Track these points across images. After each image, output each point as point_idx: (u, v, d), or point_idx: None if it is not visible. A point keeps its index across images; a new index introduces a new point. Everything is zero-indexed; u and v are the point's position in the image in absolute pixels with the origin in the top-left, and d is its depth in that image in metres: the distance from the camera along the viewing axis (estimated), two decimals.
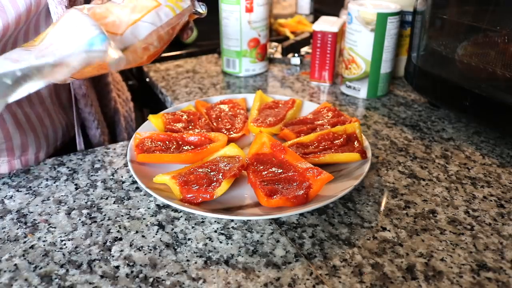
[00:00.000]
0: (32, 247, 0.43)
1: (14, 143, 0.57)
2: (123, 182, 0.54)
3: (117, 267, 0.41)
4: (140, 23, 0.50)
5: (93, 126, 0.66)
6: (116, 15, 0.49)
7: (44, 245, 0.44)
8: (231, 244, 0.44)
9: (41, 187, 0.53)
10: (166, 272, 0.41)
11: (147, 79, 0.92)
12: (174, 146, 0.56)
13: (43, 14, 0.55)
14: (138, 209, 0.49)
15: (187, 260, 0.42)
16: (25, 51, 0.45)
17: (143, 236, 0.45)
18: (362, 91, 0.78)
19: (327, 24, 0.81)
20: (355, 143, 0.55)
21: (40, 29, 0.58)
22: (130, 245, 0.44)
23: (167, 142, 0.56)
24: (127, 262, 0.42)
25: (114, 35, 0.48)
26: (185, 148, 0.56)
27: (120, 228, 0.46)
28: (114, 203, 0.50)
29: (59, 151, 0.66)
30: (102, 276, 0.40)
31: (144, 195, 0.51)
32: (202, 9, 0.56)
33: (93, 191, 0.52)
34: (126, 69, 0.85)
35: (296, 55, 0.96)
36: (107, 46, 0.42)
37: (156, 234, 0.45)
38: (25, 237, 0.45)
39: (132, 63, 0.49)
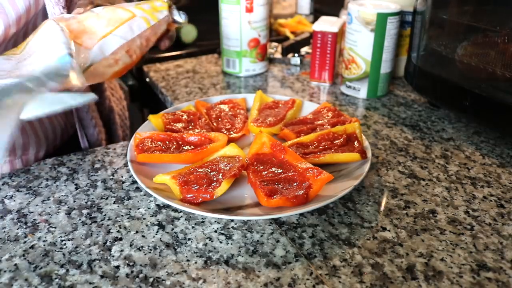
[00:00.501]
0: (32, 247, 0.43)
1: (16, 143, 0.57)
2: (123, 182, 0.54)
3: (117, 267, 0.41)
4: (110, 36, 0.48)
5: (91, 125, 0.66)
6: (91, 27, 0.48)
7: (44, 245, 0.44)
8: (231, 244, 0.44)
9: (41, 187, 0.53)
10: (166, 272, 0.41)
11: (147, 79, 0.92)
12: (174, 146, 0.56)
13: (40, 16, 0.55)
14: (138, 209, 0.49)
15: (187, 260, 0.42)
16: (5, 60, 0.44)
17: (143, 236, 0.45)
18: (362, 91, 0.78)
19: (327, 24, 0.81)
20: (355, 143, 0.55)
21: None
22: (130, 245, 0.44)
23: (167, 142, 0.56)
24: (127, 262, 0.42)
25: (85, 49, 0.47)
26: (185, 148, 0.56)
27: (120, 228, 0.46)
28: (114, 203, 0.50)
29: (58, 150, 0.66)
30: (102, 276, 0.40)
31: (144, 195, 0.51)
32: (182, 18, 0.55)
33: (93, 191, 0.52)
34: None
35: (296, 55, 0.96)
36: (68, 71, 0.40)
37: (156, 234, 0.45)
38: (25, 237, 0.45)
39: (96, 79, 0.48)
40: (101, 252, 0.43)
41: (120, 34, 0.49)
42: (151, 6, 0.53)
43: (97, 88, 0.73)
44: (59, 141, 0.66)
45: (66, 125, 0.67)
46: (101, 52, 0.47)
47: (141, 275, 0.40)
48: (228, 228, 0.46)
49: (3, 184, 0.53)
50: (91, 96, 0.41)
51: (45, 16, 0.56)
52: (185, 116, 0.63)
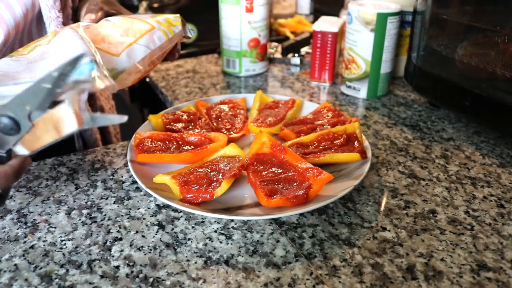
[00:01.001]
0: (32, 247, 0.43)
1: None
2: (123, 182, 0.54)
3: (117, 267, 0.41)
4: (135, 45, 0.50)
5: None
6: (108, 35, 0.49)
7: (44, 245, 0.44)
8: (231, 244, 0.44)
9: (41, 187, 0.53)
10: (166, 272, 0.41)
11: (147, 79, 0.92)
12: (174, 146, 0.56)
13: (34, 22, 0.55)
14: (138, 209, 0.49)
15: (187, 260, 0.42)
16: (14, 61, 0.44)
17: (143, 236, 0.45)
18: (362, 91, 0.78)
19: (327, 24, 0.81)
20: (355, 143, 0.55)
21: (32, 36, 0.58)
22: (130, 245, 0.44)
23: (167, 142, 0.56)
24: (127, 262, 0.42)
25: (110, 55, 0.48)
26: (185, 148, 0.56)
27: (120, 228, 0.46)
28: (114, 203, 0.50)
29: (56, 150, 0.66)
30: (102, 276, 0.40)
31: (144, 195, 0.51)
32: (191, 33, 0.59)
33: (93, 191, 0.52)
34: None
35: (296, 55, 0.96)
36: (94, 75, 0.41)
37: (156, 234, 0.45)
38: (25, 237, 0.45)
39: (121, 85, 0.50)
40: (101, 252, 0.43)
41: (144, 43, 0.51)
42: (166, 20, 0.55)
43: None
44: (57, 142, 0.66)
45: None
46: (129, 59, 0.49)
47: (141, 275, 0.40)
48: (228, 228, 0.46)
49: None
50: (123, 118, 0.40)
51: (38, 22, 0.56)
52: (185, 116, 0.63)
